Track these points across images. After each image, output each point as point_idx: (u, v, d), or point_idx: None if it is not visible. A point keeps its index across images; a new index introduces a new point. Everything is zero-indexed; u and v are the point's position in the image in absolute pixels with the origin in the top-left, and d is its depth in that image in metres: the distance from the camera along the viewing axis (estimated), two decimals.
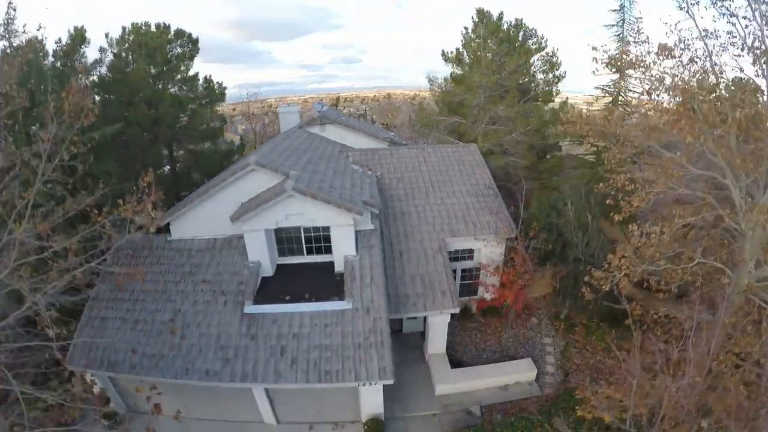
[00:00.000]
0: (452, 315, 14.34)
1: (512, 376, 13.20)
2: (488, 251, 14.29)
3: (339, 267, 12.56)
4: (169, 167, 18.77)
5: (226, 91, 19.78)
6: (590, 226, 13.92)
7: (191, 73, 18.08)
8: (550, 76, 20.90)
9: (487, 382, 13.10)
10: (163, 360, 11.39)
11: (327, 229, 12.53)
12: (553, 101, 21.21)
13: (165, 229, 13.81)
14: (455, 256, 14.44)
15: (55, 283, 9.02)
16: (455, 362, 13.74)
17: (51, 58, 14.89)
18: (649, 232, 11.62)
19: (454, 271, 14.55)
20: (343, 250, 12.36)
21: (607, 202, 12.10)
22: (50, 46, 15.03)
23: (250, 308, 11.78)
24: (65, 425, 8.98)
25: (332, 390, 11.72)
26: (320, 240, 12.79)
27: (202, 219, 13.00)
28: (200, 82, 18.35)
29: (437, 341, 13.62)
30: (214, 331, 11.65)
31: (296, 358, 11.03)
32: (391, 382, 10.70)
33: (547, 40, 21.58)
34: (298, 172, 12.21)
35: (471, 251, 14.61)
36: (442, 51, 21.64)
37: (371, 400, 11.61)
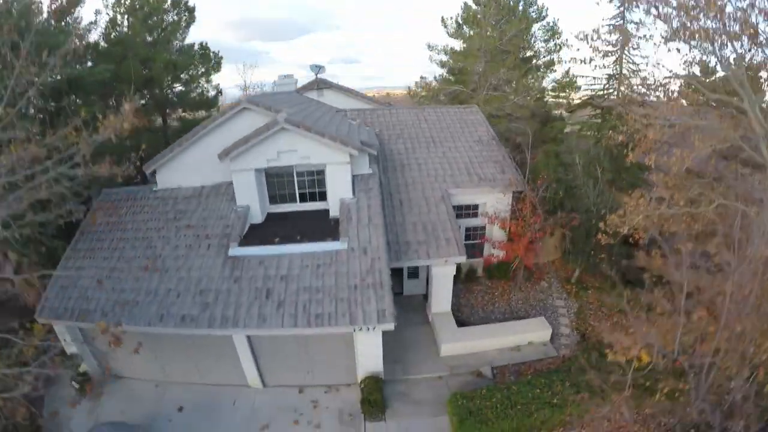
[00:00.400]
0: (456, 277, 12.93)
1: (525, 335, 11.66)
2: (494, 205, 13.06)
3: (334, 212, 11.29)
4: (161, 133, 17.61)
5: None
6: (600, 179, 12.63)
7: (187, 41, 17.40)
8: (551, 44, 20.23)
9: (497, 342, 11.57)
10: (138, 307, 9.97)
11: (321, 172, 11.33)
12: (555, 70, 20.46)
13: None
14: (459, 213, 13.18)
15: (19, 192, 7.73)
16: (461, 324, 12.27)
17: (44, 16, 14.13)
18: (669, 164, 10.30)
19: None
20: (338, 192, 11.13)
21: (620, 139, 10.88)
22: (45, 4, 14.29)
23: (235, 250, 10.46)
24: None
25: (324, 346, 10.30)
26: (314, 185, 11.56)
27: (190, 166, 11.86)
28: (196, 48, 17.60)
29: (441, 299, 12.14)
30: (194, 275, 10.31)
31: (283, 301, 9.61)
32: (391, 326, 9.24)
33: (547, 9, 21.03)
34: (292, 110, 11.10)
35: (476, 207, 13.34)
36: (442, 18, 21.01)
37: (369, 354, 10.15)
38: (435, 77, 22.98)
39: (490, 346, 11.51)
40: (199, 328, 9.50)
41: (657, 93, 12.06)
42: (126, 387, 11.57)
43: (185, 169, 11.83)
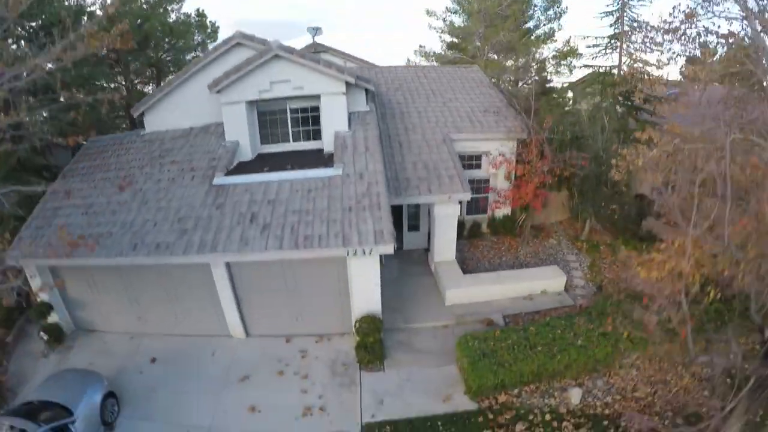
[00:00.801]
0: (460, 233, 11.70)
1: (538, 282, 10.36)
2: (498, 153, 12.05)
3: (329, 149, 10.26)
4: None
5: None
6: (607, 128, 11.70)
7: (184, 11, 16.99)
8: (551, 12, 19.79)
9: (508, 290, 10.25)
10: (111, 238, 8.76)
11: (316, 109, 10.49)
12: (555, 40, 19.89)
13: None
14: (461, 164, 11.97)
15: None
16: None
17: None
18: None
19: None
20: (333, 125, 10.22)
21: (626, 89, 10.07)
22: None
23: (220, 179, 9.48)
24: None
25: (314, 281, 9.06)
26: (308, 123, 10.62)
27: (180, 106, 11.07)
28: (193, 15, 17.24)
29: (445, 246, 10.88)
30: (174, 204, 9.27)
31: (269, 224, 8.48)
32: (390, 248, 8.07)
33: None
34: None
35: (479, 158, 12.32)
36: None
37: (365, 290, 8.83)
38: (433, 53, 22.38)
39: (499, 295, 10.13)
40: (174, 255, 8.31)
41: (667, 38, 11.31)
42: (98, 340, 10.16)
43: (175, 109, 11.01)
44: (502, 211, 12.65)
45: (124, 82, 16.50)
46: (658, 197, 9.17)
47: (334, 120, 10.23)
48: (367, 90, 10.63)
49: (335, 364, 8.95)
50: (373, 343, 8.62)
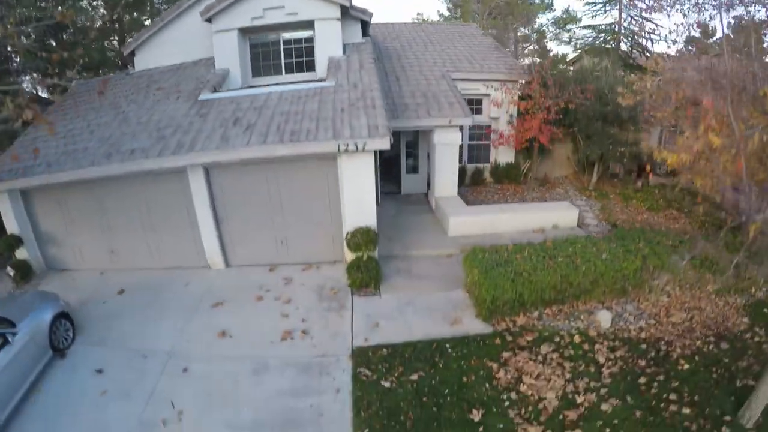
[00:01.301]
0: (461, 181, 10.49)
1: (549, 214, 9.06)
2: (500, 97, 10.97)
3: (322, 73, 9.28)
4: None
5: None
6: (610, 70, 10.83)
7: None
8: None
9: (517, 221, 8.90)
10: (86, 152, 7.63)
11: (310, 40, 9.64)
12: (554, 9, 19.19)
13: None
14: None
15: None
16: None
17: None
18: None
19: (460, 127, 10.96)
20: (327, 51, 9.30)
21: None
22: None
23: (206, 95, 8.46)
24: None
25: (301, 192, 7.76)
26: (302, 54, 9.74)
27: (172, 43, 10.31)
28: None
29: (446, 180, 9.66)
30: (155, 118, 8.23)
31: (253, 124, 7.49)
32: (387, 143, 6.94)
33: None
34: None
35: (479, 102, 11.31)
36: None
37: (358, 199, 7.51)
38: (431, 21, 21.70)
39: (507, 226, 8.74)
40: (149, 158, 7.14)
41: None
42: (68, 278, 8.74)
43: (166, 45, 10.23)
44: (506, 154, 11.47)
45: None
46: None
47: (327, 48, 9.33)
48: (362, 22, 9.87)
49: (323, 290, 7.46)
50: (367, 262, 7.18)
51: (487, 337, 6.40)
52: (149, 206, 8.05)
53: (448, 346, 6.18)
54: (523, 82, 10.56)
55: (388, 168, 11.67)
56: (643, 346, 6.46)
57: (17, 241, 8.53)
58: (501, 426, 5.05)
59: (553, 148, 11.60)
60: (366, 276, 7.03)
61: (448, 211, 8.81)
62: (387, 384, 5.57)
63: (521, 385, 5.59)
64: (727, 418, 5.09)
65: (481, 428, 5.02)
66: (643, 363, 6.13)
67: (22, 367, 5.64)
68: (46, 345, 6.17)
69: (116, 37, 14.87)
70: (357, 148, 6.88)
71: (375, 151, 7.15)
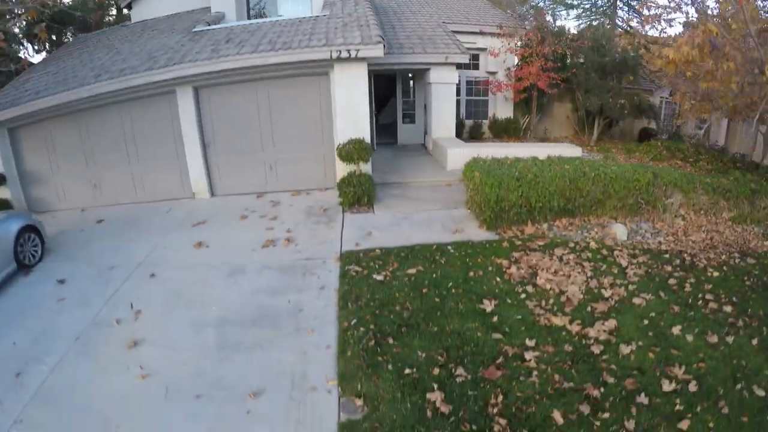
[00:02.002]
0: (459, 134, 9.68)
1: (552, 150, 7.93)
2: (496, 45, 10.11)
3: (318, 12, 8.56)
4: None
5: None
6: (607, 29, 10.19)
7: None
8: None
9: (518, 155, 7.73)
10: (75, 78, 6.99)
11: None
12: None
13: None
14: (458, 65, 10.20)
15: None
16: None
17: None
18: None
19: (457, 82, 10.17)
20: None
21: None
22: None
23: (201, 27, 7.73)
24: None
25: (290, 106, 6.89)
26: None
27: None
28: None
29: (443, 121, 8.80)
30: (148, 47, 7.49)
31: (246, 40, 6.74)
32: (380, 51, 6.11)
33: None
34: None
35: (476, 58, 10.56)
36: None
37: (350, 110, 6.59)
38: None
39: None
40: (137, 73, 6.39)
41: None
42: (49, 216, 7.51)
43: None
44: (504, 109, 10.62)
45: None
46: None
47: None
48: None
49: (312, 209, 6.46)
50: (360, 177, 6.23)
51: (494, 241, 5.35)
52: (135, 135, 7.20)
53: (450, 247, 5.13)
54: (522, 36, 9.87)
55: (383, 118, 10.94)
56: (666, 255, 5.43)
57: (1, 179, 7.68)
58: (519, 317, 3.95)
59: (553, 107, 10.84)
60: (359, 191, 6.06)
61: (445, 145, 7.88)
62: (380, 277, 4.49)
63: (537, 278, 4.52)
64: None
65: (495, 318, 3.92)
66: (669, 268, 5.07)
67: None
68: (9, 256, 5.18)
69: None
70: (350, 55, 6.08)
71: (370, 79, 6.39)
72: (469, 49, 10.40)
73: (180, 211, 6.84)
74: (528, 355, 3.47)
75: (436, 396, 3.04)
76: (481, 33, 10.19)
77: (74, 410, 3.23)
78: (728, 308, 4.36)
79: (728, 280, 4.92)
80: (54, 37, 9.85)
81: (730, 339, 3.87)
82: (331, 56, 6.08)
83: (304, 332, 3.84)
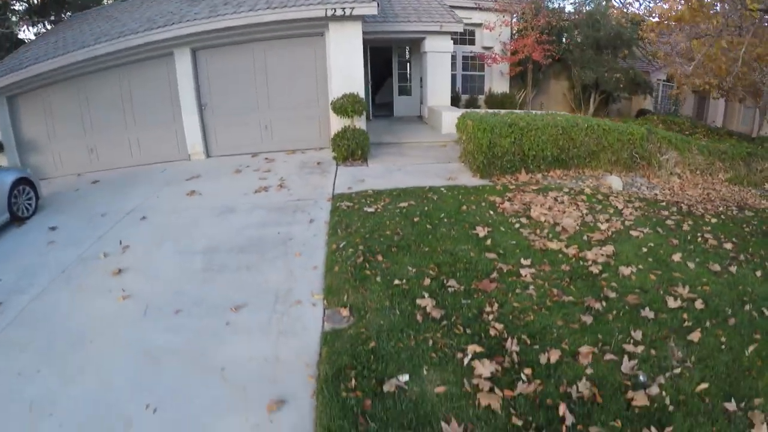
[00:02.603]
0: (455, 106, 9.34)
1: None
2: (497, 23, 9.79)
3: None
4: None
5: None
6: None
7: None
8: None
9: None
10: (74, 43, 6.74)
11: None
12: None
13: None
14: (453, 38, 9.97)
15: None
16: None
17: None
18: None
19: (453, 56, 9.90)
20: None
21: None
22: None
23: None
24: None
25: (288, 75, 6.63)
26: None
27: None
28: None
29: (439, 90, 8.52)
30: (147, 15, 7.30)
31: (243, 2, 6.37)
32: (374, 10, 5.94)
33: None
34: None
35: (472, 33, 10.28)
36: None
37: (345, 65, 6.30)
38: None
39: None
40: (136, 34, 6.16)
41: None
42: (46, 182, 7.15)
43: None
44: (500, 83, 10.29)
45: None
46: None
47: None
48: None
49: (306, 164, 6.18)
50: (354, 131, 5.93)
51: (487, 186, 5.04)
52: (133, 99, 6.94)
53: (443, 189, 4.85)
54: (517, 10, 9.58)
55: (380, 98, 10.68)
56: (663, 203, 5.14)
57: None
58: (513, 242, 3.67)
59: (549, 83, 10.57)
60: (353, 144, 5.78)
61: (441, 110, 7.58)
62: (371, 210, 4.22)
63: (531, 212, 4.23)
64: None
65: (488, 241, 3.64)
66: (666, 213, 4.79)
67: None
68: (3, 206, 4.94)
69: None
70: (344, 12, 5.84)
71: (367, 52, 6.12)
72: (465, 24, 10.19)
73: (175, 170, 6.55)
74: (524, 272, 3.18)
75: (426, 302, 2.75)
76: (478, 8, 9.90)
77: (50, 330, 2.96)
78: (728, 245, 4.07)
79: (727, 226, 4.65)
80: (53, 17, 9.67)
81: (733, 269, 3.58)
82: (326, 14, 5.83)
83: (292, 256, 3.57)
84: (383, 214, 4.10)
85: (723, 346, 2.65)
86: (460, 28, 8.11)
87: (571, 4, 14.45)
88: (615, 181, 5.62)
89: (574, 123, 5.51)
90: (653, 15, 5.75)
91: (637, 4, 8.72)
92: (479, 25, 10.25)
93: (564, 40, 9.47)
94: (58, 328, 2.98)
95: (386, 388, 2.11)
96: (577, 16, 9.29)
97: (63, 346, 2.77)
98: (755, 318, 2.96)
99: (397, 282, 2.98)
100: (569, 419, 2.01)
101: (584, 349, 2.49)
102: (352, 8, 5.84)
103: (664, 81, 12.84)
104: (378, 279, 3.03)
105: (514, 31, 9.63)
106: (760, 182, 6.99)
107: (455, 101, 9.88)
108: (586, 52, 9.71)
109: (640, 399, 2.20)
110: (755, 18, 4.70)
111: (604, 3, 9.57)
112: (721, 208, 5.28)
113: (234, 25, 6.08)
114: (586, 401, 2.16)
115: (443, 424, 1.95)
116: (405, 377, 2.20)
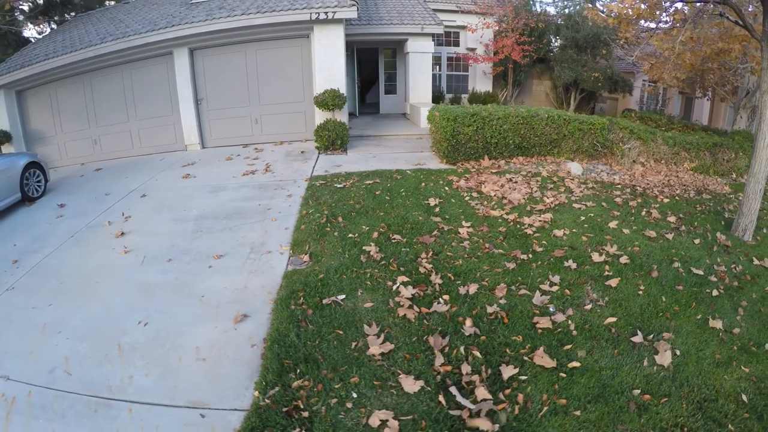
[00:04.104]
0: (437, 102, 10.03)
1: None
2: (478, 27, 10.40)
3: None
4: None
5: None
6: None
7: None
8: None
9: None
10: (81, 42, 7.60)
11: None
12: None
13: None
14: (438, 40, 10.73)
15: None
16: None
17: None
18: None
19: (438, 58, 10.67)
20: None
21: None
22: None
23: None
24: None
25: (277, 73, 7.41)
26: None
27: None
28: None
29: (420, 88, 9.26)
30: (150, 17, 8.08)
31: (237, 6, 7.20)
32: (353, 13, 6.73)
33: None
34: None
35: (457, 35, 11.04)
36: None
37: (328, 66, 7.05)
38: None
39: None
40: (138, 34, 6.99)
41: None
42: (51, 171, 7.98)
43: None
44: (483, 83, 10.98)
45: None
46: None
47: None
48: None
49: (291, 153, 6.92)
50: (335, 123, 6.63)
51: (450, 169, 5.71)
52: (135, 95, 7.76)
53: (408, 171, 5.53)
54: (497, 12, 10.32)
55: (369, 98, 11.42)
56: (618, 186, 5.73)
57: (6, 137, 8.14)
58: (460, 210, 4.32)
59: (531, 83, 11.25)
60: (333, 134, 6.50)
61: (420, 107, 8.32)
62: (340, 186, 4.92)
63: (483, 188, 4.88)
64: (722, 237, 4.27)
65: (437, 209, 4.31)
66: (618, 192, 5.39)
67: None
68: (16, 185, 5.68)
69: None
70: (327, 16, 6.62)
71: (354, 53, 6.85)
72: (449, 26, 10.99)
73: (172, 158, 7.32)
74: (462, 231, 3.82)
75: (371, 249, 3.41)
76: (460, 11, 10.67)
77: (61, 277, 3.64)
78: (672, 219, 4.64)
79: (679, 205, 5.22)
80: (57, 19, 10.62)
81: (670, 236, 4.15)
82: (311, 17, 6.63)
83: (269, 221, 4.24)
84: (350, 189, 4.78)
85: (641, 293, 3.19)
86: (440, 30, 8.87)
87: (553, 5, 15.41)
88: (575, 167, 6.23)
89: (535, 113, 6.17)
90: (612, 13, 6.31)
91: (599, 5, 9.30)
92: (463, 27, 11.01)
93: (542, 41, 10.15)
94: (68, 274, 3.66)
95: (325, 302, 2.76)
96: (558, 19, 9.95)
97: (72, 287, 3.45)
98: (681, 274, 3.49)
99: (350, 236, 3.64)
100: (471, 330, 2.60)
101: (501, 285, 3.09)
102: (334, 12, 6.62)
103: (650, 82, 13.49)
104: (336, 234, 3.69)
105: (496, 33, 10.32)
106: (727, 172, 7.54)
107: (439, 100, 10.60)
108: (566, 52, 10.40)
109: (544, 323, 2.71)
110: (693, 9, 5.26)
111: (580, 5, 10.28)
112: (678, 191, 5.85)
113: (228, 28, 6.90)
114: (493, 321, 2.73)
115: (365, 326, 2.58)
116: (342, 296, 2.84)
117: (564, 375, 2.29)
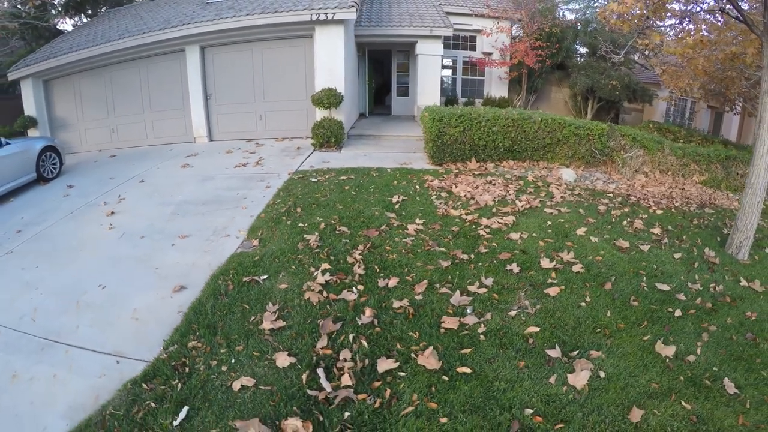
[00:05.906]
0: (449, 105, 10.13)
1: None
2: (493, 32, 10.53)
3: None
4: None
5: None
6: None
7: None
8: None
9: None
10: (103, 37, 8.48)
11: None
12: None
13: None
14: (455, 44, 10.90)
15: None
16: None
17: None
18: None
19: (454, 62, 10.77)
20: None
21: None
22: None
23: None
24: None
25: (281, 71, 7.95)
26: None
27: None
28: None
29: (429, 90, 9.45)
30: (166, 15, 8.96)
31: (244, 6, 7.84)
32: (353, 15, 7.04)
33: None
34: None
35: (473, 39, 11.08)
36: None
37: (329, 66, 7.46)
38: None
39: None
40: (153, 32, 7.83)
41: None
42: (71, 156, 8.83)
43: None
44: (499, 88, 11.00)
45: None
46: None
47: None
48: None
49: (288, 149, 7.42)
50: (331, 121, 7.02)
51: (432, 169, 5.93)
52: (150, 88, 8.67)
53: (389, 170, 5.79)
54: (512, 16, 10.29)
55: (386, 99, 11.76)
56: (610, 195, 5.58)
57: (32, 122, 9.28)
58: (421, 208, 4.50)
59: (549, 90, 11.04)
60: (328, 132, 6.91)
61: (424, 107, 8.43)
62: (315, 180, 5.26)
63: (454, 188, 4.99)
64: (711, 253, 4.03)
65: (398, 206, 4.53)
66: (605, 201, 5.27)
67: (6, 168, 5.96)
68: (33, 166, 6.52)
69: None
70: (327, 17, 7.06)
71: (365, 54, 7.20)
72: (465, 30, 11.11)
73: (180, 149, 8.08)
74: (411, 227, 3.99)
75: (312, 238, 3.70)
76: (476, 15, 10.79)
77: (53, 244, 4.28)
78: (656, 230, 4.47)
79: (673, 217, 5.02)
80: (90, 11, 11.97)
81: (645, 248, 3.96)
82: (311, 18, 7.12)
83: (240, 208, 4.67)
84: (323, 183, 5.12)
85: (584, 304, 3.03)
86: (449, 33, 9.03)
87: (572, 12, 14.86)
88: (567, 173, 6.12)
89: (528, 116, 6.15)
90: (613, 15, 6.10)
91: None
92: (479, 31, 11.13)
93: (555, 45, 9.92)
94: (57, 243, 4.28)
95: (245, 280, 3.09)
96: (577, 24, 9.70)
97: (58, 254, 4.05)
98: (643, 289, 3.25)
99: (300, 225, 3.97)
100: (368, 320, 2.67)
101: (424, 282, 3.15)
102: (334, 14, 7.04)
103: (672, 91, 12.65)
104: (288, 223, 4.02)
105: (512, 37, 10.24)
106: (741, 187, 6.99)
107: (452, 103, 10.73)
108: (587, 60, 10.04)
109: (450, 323, 2.68)
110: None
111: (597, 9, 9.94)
112: (678, 204, 5.58)
113: (235, 27, 7.57)
114: (398, 314, 2.79)
115: (269, 303, 2.85)
116: (264, 276, 3.16)
117: (446, 378, 2.27)
